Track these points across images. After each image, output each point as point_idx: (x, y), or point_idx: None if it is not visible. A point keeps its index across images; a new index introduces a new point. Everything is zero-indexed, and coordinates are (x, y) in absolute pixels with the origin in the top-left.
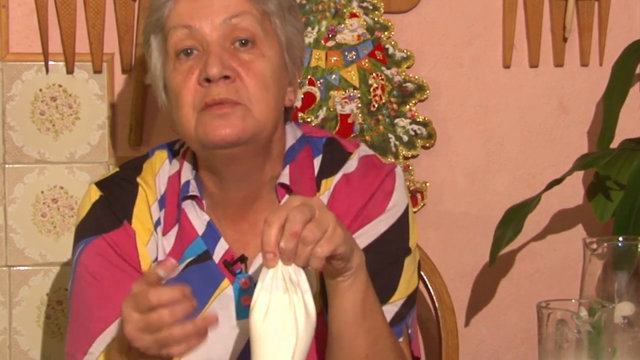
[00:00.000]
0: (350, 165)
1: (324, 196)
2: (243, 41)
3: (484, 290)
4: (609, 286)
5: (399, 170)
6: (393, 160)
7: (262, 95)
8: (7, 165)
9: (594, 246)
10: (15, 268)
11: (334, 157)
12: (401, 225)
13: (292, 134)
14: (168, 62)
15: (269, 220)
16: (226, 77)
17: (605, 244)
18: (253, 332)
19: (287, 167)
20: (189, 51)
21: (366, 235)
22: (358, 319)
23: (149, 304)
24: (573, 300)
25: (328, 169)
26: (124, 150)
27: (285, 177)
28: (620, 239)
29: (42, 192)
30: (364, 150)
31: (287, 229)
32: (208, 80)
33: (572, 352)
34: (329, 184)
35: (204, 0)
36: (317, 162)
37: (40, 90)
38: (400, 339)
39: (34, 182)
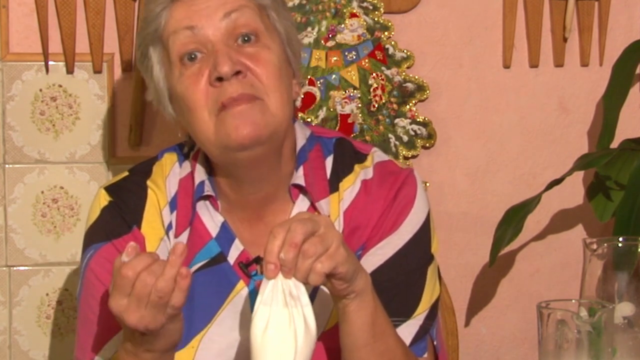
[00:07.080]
0: (367, 172)
1: (345, 200)
2: (246, 37)
3: (484, 290)
4: (609, 286)
5: (417, 174)
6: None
7: (276, 85)
8: (7, 165)
9: (594, 246)
10: (15, 268)
11: (346, 157)
12: (424, 233)
13: (301, 133)
14: (172, 71)
15: (274, 231)
16: (238, 73)
17: (605, 244)
18: (253, 345)
19: (301, 168)
20: (193, 55)
21: (390, 246)
22: (368, 342)
23: (128, 281)
24: (573, 301)
25: (341, 169)
26: (124, 150)
27: (300, 179)
28: (620, 239)
29: (42, 192)
30: (379, 155)
31: (287, 239)
32: (220, 79)
33: (572, 352)
34: (346, 185)
35: (200, 2)
36: (328, 162)
37: (40, 90)
38: (425, 355)
39: (34, 182)
